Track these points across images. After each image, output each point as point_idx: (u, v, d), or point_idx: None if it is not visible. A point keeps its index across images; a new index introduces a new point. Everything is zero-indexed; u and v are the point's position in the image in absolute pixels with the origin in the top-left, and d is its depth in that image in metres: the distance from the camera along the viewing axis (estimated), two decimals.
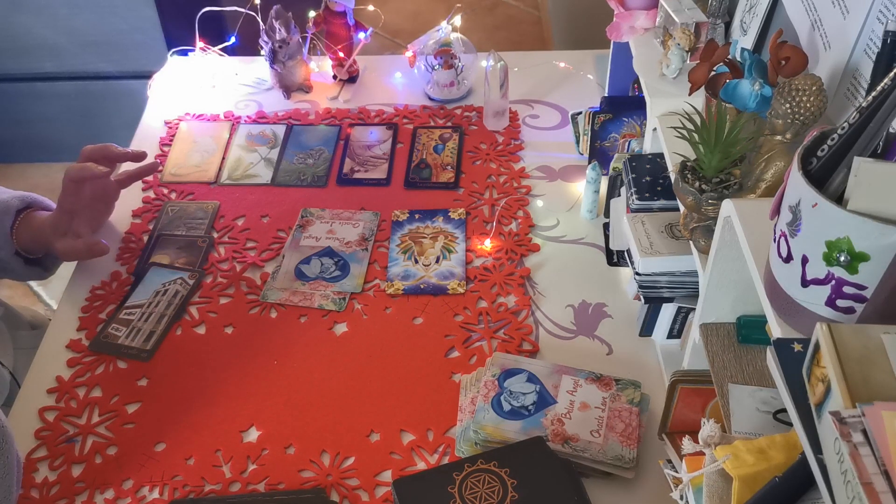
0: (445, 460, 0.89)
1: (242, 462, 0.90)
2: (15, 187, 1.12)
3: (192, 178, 1.27)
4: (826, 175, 0.55)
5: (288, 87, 1.41)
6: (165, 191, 1.25)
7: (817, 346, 0.49)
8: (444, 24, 1.39)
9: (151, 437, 0.93)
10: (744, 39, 0.98)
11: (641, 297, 0.93)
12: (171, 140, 1.34)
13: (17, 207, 1.06)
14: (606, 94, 1.32)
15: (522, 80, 1.42)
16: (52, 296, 2.05)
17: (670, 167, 0.93)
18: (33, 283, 2.07)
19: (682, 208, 0.86)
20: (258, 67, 1.47)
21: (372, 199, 1.22)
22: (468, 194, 1.22)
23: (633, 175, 0.99)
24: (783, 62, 0.76)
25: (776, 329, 0.62)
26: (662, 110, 0.99)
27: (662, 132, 0.96)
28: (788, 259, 0.58)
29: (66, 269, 1.15)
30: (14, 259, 1.06)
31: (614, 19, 1.14)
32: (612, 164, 1.08)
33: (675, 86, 1.00)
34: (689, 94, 0.88)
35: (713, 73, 0.84)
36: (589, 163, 1.15)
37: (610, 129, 1.17)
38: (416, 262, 1.11)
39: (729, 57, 0.82)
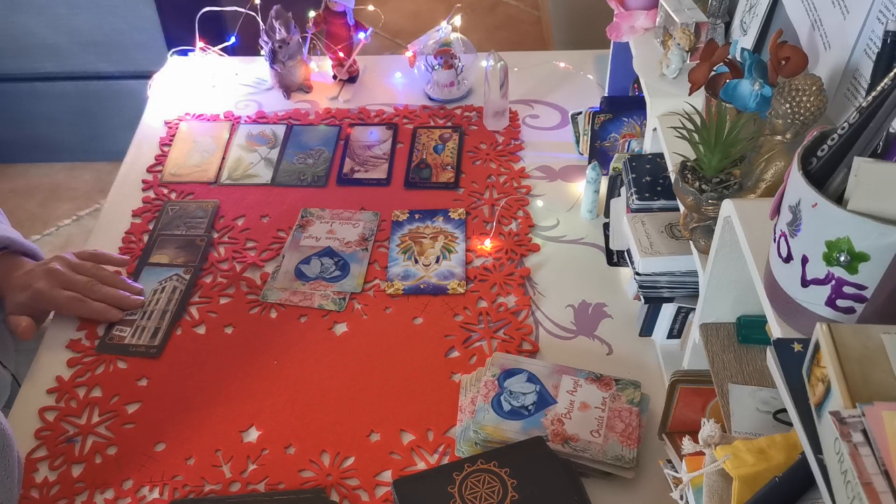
0: (445, 460, 0.89)
1: (242, 462, 0.90)
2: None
3: (192, 178, 1.27)
4: (826, 175, 0.55)
5: (288, 87, 1.41)
6: (165, 191, 1.25)
7: (817, 346, 0.49)
8: (444, 24, 1.39)
9: (151, 437, 0.93)
10: (744, 39, 0.98)
11: (641, 297, 0.93)
12: (171, 140, 1.34)
13: None
14: (606, 94, 1.32)
15: (522, 80, 1.42)
16: None
17: (670, 167, 0.93)
18: None
19: (682, 208, 0.86)
20: (258, 67, 1.47)
21: (372, 199, 1.22)
22: (468, 194, 1.22)
23: (633, 175, 0.99)
24: (783, 62, 0.76)
25: (776, 329, 0.62)
26: (662, 110, 0.99)
27: (662, 132, 0.96)
28: (788, 259, 0.58)
29: None
30: None
31: (614, 19, 1.14)
32: (612, 164, 1.08)
33: (675, 86, 1.00)
34: (689, 94, 0.88)
35: (713, 73, 0.84)
36: (589, 163, 1.15)
37: (610, 129, 1.17)
38: (416, 262, 1.11)
39: (729, 57, 0.82)
